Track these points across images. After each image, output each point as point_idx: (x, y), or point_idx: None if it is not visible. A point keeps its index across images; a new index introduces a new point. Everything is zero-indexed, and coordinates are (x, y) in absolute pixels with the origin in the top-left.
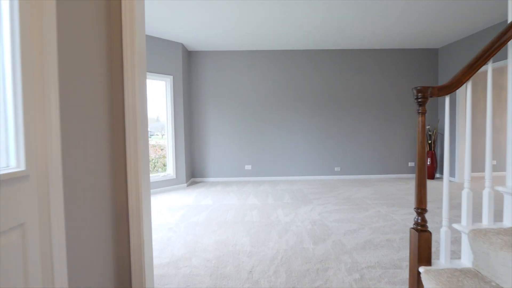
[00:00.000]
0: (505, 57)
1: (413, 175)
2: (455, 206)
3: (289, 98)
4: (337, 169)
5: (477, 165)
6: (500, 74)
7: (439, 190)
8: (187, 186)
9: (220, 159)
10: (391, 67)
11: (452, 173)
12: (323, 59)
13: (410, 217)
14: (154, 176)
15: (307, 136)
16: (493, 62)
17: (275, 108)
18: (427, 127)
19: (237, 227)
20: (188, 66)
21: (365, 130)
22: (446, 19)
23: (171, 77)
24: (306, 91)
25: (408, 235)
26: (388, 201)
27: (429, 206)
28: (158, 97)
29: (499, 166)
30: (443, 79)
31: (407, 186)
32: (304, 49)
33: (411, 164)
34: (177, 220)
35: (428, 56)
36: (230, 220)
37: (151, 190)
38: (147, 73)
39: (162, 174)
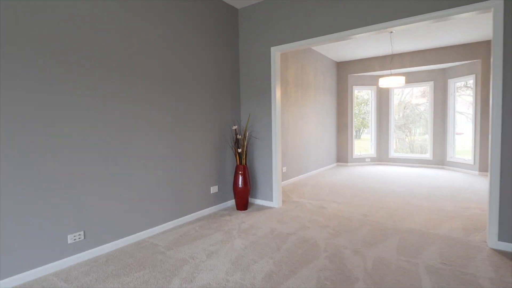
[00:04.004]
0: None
1: (220, 206)
2: None
3: None
4: (75, 237)
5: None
6: (285, 69)
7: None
8: None
9: None
10: (186, 20)
11: (268, 196)
12: None
13: None
14: None
15: None
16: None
17: None
18: (234, 127)
19: None
20: None
21: (142, 134)
22: None
23: None
24: None
25: None
26: None
27: None
28: None
29: (289, 173)
30: (244, 45)
31: (242, 243)
32: None
33: (214, 189)
34: None
35: (228, 15)
36: None
37: None
38: None
39: None
